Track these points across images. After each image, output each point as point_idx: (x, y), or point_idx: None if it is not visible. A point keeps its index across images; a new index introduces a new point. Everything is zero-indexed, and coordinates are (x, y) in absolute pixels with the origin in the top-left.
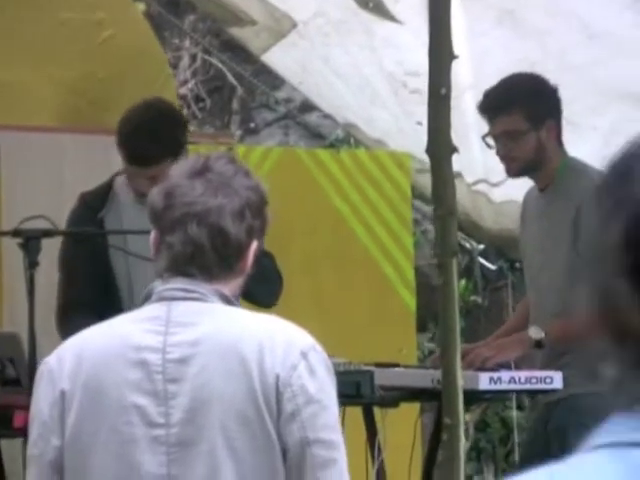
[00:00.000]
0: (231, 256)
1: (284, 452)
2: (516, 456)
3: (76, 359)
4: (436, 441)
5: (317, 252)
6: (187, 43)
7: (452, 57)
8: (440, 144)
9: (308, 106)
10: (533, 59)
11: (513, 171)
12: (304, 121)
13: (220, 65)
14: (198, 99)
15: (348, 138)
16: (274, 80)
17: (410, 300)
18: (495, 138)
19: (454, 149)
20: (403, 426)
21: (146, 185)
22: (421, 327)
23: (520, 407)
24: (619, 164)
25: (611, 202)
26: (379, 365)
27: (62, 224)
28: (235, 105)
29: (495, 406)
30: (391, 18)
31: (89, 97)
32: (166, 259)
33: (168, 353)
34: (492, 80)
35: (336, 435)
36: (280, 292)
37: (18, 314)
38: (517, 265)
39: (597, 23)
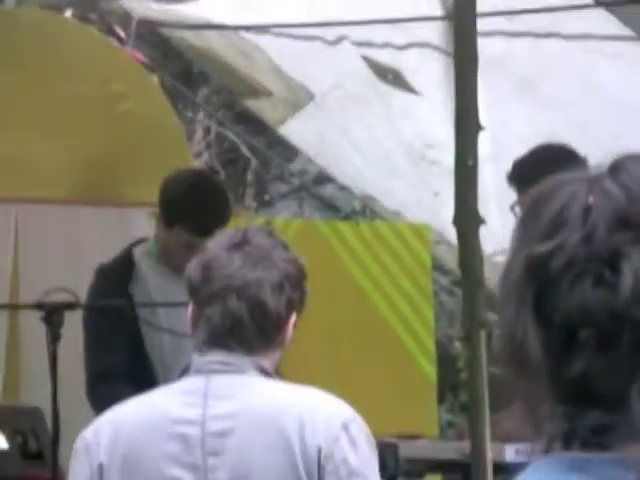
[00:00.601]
0: (270, 329)
1: None
2: None
3: (114, 433)
4: None
5: (337, 324)
6: (201, 115)
7: (478, 128)
8: (467, 215)
9: (323, 178)
10: (554, 130)
11: None
12: (319, 193)
13: (234, 137)
14: (212, 172)
15: (364, 210)
16: (288, 152)
17: (431, 371)
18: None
19: (481, 220)
20: None
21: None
22: (439, 399)
23: None
24: (533, 201)
25: (518, 239)
26: (403, 437)
27: (80, 296)
28: (249, 177)
29: (513, 477)
30: (410, 89)
31: (106, 169)
32: (204, 332)
33: (207, 426)
34: (512, 150)
35: None
36: None
37: (36, 387)
38: None
39: (619, 93)
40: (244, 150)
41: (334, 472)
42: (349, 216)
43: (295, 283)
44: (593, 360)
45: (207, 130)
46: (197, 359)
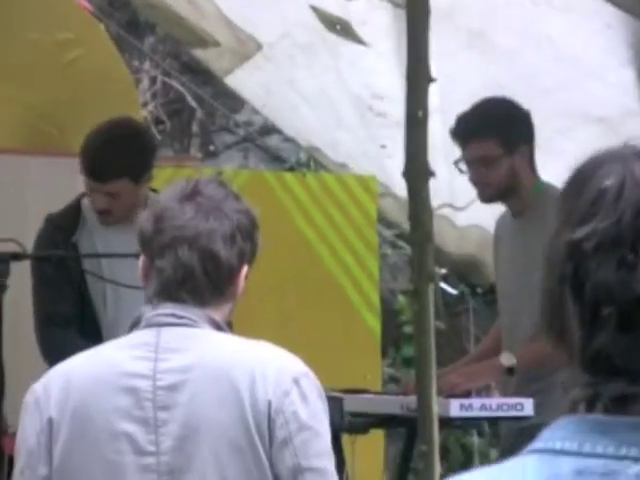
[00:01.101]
0: (222, 280)
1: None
2: None
3: (64, 387)
4: (406, 468)
5: (282, 276)
6: (147, 65)
7: (429, 80)
8: (417, 168)
9: (268, 129)
10: (502, 82)
11: (486, 196)
12: (264, 144)
13: (180, 87)
14: (158, 121)
15: (309, 161)
16: (234, 103)
17: (375, 325)
18: (468, 164)
19: (431, 173)
20: (367, 454)
21: (102, 201)
22: (381, 353)
23: (480, 433)
24: (574, 180)
25: (561, 217)
26: (347, 391)
27: (27, 247)
28: (195, 128)
29: (455, 432)
30: (358, 40)
31: (53, 119)
32: (156, 284)
33: (158, 380)
34: (460, 103)
35: (329, 463)
36: None
37: None
38: (478, 290)
39: (567, 46)
40: (190, 100)
41: (284, 426)
42: (294, 167)
43: (247, 234)
44: (614, 337)
45: (153, 80)
46: (148, 312)
